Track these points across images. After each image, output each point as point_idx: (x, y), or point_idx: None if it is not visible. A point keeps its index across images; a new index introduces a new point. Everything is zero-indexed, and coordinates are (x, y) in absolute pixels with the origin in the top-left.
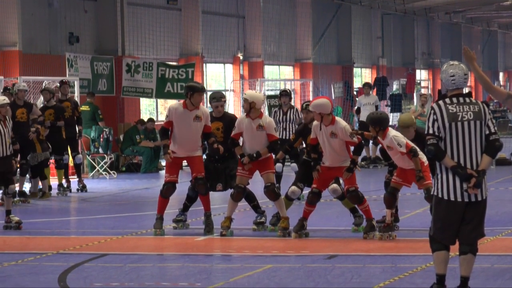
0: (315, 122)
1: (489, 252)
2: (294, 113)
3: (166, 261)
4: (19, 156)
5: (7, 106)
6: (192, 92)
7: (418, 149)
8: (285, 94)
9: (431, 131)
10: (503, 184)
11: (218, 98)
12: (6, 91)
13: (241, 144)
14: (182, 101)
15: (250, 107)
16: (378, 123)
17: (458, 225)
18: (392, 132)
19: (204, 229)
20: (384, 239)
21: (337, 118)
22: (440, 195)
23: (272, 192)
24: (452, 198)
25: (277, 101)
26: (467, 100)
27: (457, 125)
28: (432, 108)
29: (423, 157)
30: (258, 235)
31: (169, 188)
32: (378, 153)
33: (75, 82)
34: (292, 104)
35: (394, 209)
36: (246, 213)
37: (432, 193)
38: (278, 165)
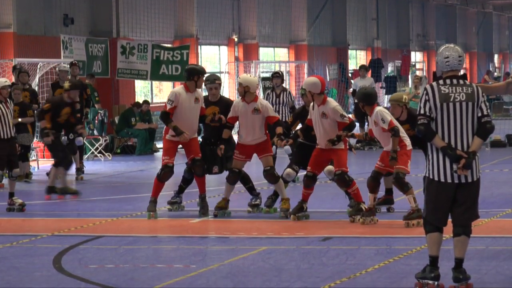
0: (311, 103)
1: (484, 234)
2: (287, 95)
3: (161, 243)
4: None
5: (8, 88)
6: (199, 75)
7: (401, 131)
8: (277, 76)
9: (422, 111)
10: (497, 166)
11: (211, 80)
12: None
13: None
14: (183, 84)
15: (245, 91)
16: (364, 98)
17: (449, 206)
18: (379, 107)
19: (199, 211)
20: (367, 224)
21: (329, 99)
22: (431, 176)
23: (272, 175)
24: (442, 179)
25: (270, 83)
26: (461, 82)
27: (449, 106)
28: (425, 89)
29: (406, 141)
30: (253, 217)
31: (167, 173)
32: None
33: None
34: (285, 86)
35: (379, 192)
36: (241, 195)
37: (424, 174)
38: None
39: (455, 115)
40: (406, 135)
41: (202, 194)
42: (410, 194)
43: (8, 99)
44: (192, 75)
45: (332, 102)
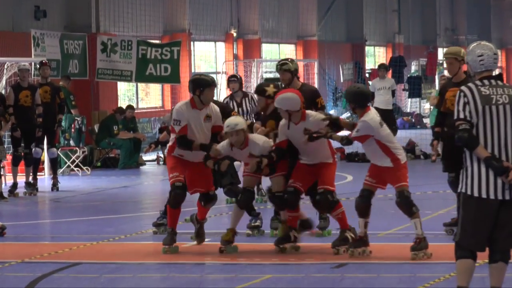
0: (282, 122)
1: None
2: (250, 101)
3: (149, 271)
4: (21, 144)
5: None
6: (202, 88)
7: (390, 141)
8: (234, 80)
9: (462, 116)
10: None
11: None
12: None
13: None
14: (189, 99)
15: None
16: (356, 98)
17: (490, 228)
18: (369, 115)
19: (195, 237)
20: (356, 256)
21: (308, 112)
22: (469, 192)
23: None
24: (484, 195)
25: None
26: (499, 83)
27: (491, 109)
28: (462, 90)
29: (400, 154)
30: (255, 240)
31: (178, 196)
32: None
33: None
34: (245, 90)
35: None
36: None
37: (459, 190)
38: None
39: (499, 120)
40: (400, 147)
41: (202, 220)
42: (416, 217)
43: None
44: (192, 88)
45: (312, 112)
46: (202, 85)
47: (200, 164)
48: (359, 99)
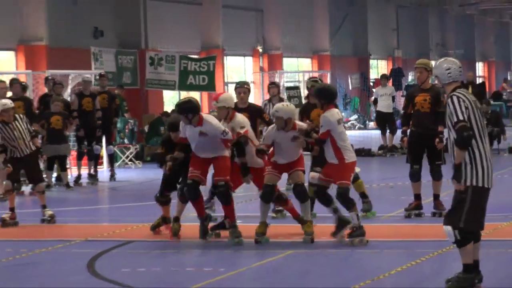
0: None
1: (504, 238)
2: None
3: (191, 248)
4: (84, 142)
5: (12, 110)
6: (181, 115)
7: (343, 139)
8: (273, 85)
9: (465, 117)
10: None
11: (241, 84)
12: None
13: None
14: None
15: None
16: (323, 95)
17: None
18: (331, 111)
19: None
20: (356, 245)
21: (236, 114)
22: (481, 184)
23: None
24: (490, 186)
25: (296, 92)
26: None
27: (479, 113)
28: (459, 96)
29: (347, 154)
30: (278, 222)
31: (190, 190)
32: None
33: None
34: (282, 96)
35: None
36: None
37: (468, 183)
38: None
39: (482, 122)
40: (350, 148)
41: (232, 221)
42: (354, 211)
43: (18, 116)
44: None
45: (237, 115)
46: (181, 111)
47: (213, 157)
48: (328, 95)
